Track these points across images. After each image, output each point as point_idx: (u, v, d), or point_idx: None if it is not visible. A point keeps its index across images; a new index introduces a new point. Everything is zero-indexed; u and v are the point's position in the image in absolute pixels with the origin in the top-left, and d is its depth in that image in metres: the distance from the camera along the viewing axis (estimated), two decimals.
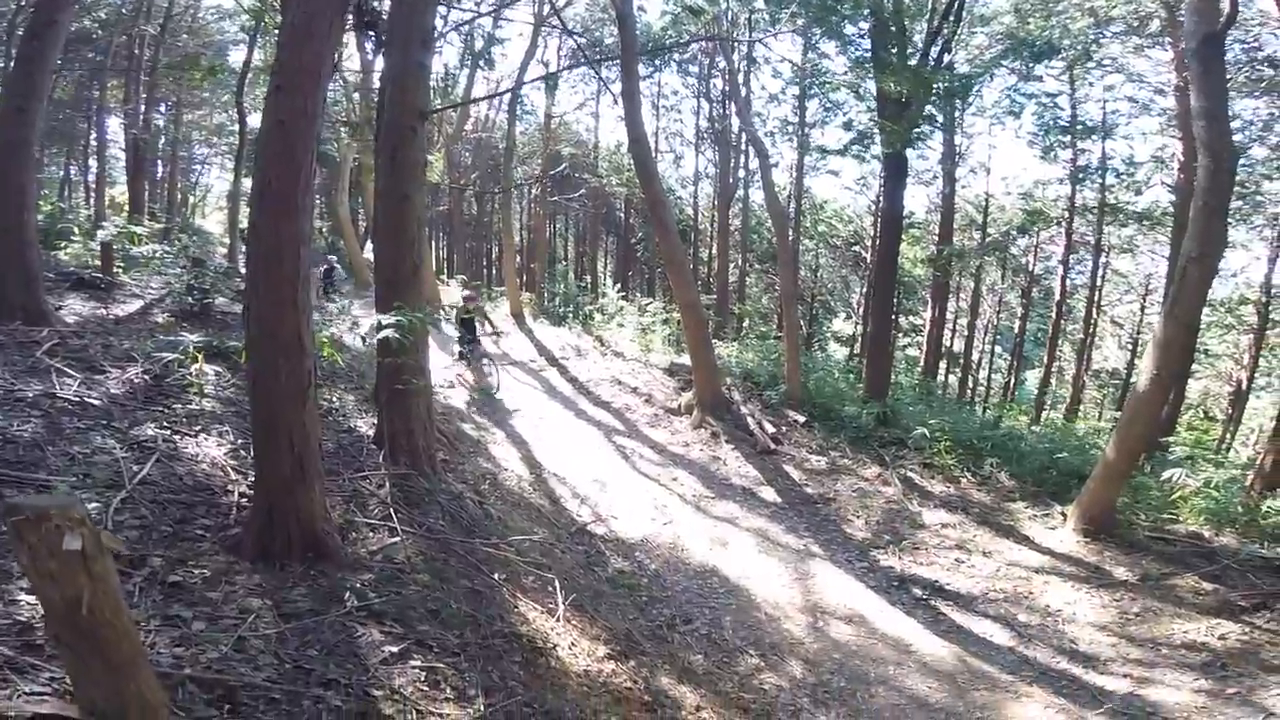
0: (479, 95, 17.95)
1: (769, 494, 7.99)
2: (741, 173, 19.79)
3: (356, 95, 15.87)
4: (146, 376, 5.03)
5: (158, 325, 6.86)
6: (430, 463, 5.21)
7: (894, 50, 10.20)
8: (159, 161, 24.23)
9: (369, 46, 12.90)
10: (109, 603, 1.78)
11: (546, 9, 14.18)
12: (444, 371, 10.39)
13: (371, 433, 5.49)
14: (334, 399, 6.12)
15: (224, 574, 3.31)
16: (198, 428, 4.59)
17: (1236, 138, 13.08)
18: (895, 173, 10.44)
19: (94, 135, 18.16)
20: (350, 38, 10.83)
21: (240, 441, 4.52)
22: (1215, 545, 6.49)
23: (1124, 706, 4.63)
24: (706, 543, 6.84)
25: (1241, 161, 13.74)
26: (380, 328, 4.12)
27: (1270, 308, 14.35)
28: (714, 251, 19.66)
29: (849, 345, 21.69)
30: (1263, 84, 11.40)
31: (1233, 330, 18.21)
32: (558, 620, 4.33)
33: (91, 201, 19.93)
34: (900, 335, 20.86)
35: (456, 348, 10.77)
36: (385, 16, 6.01)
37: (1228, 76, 11.43)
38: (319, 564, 3.59)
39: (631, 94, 9.61)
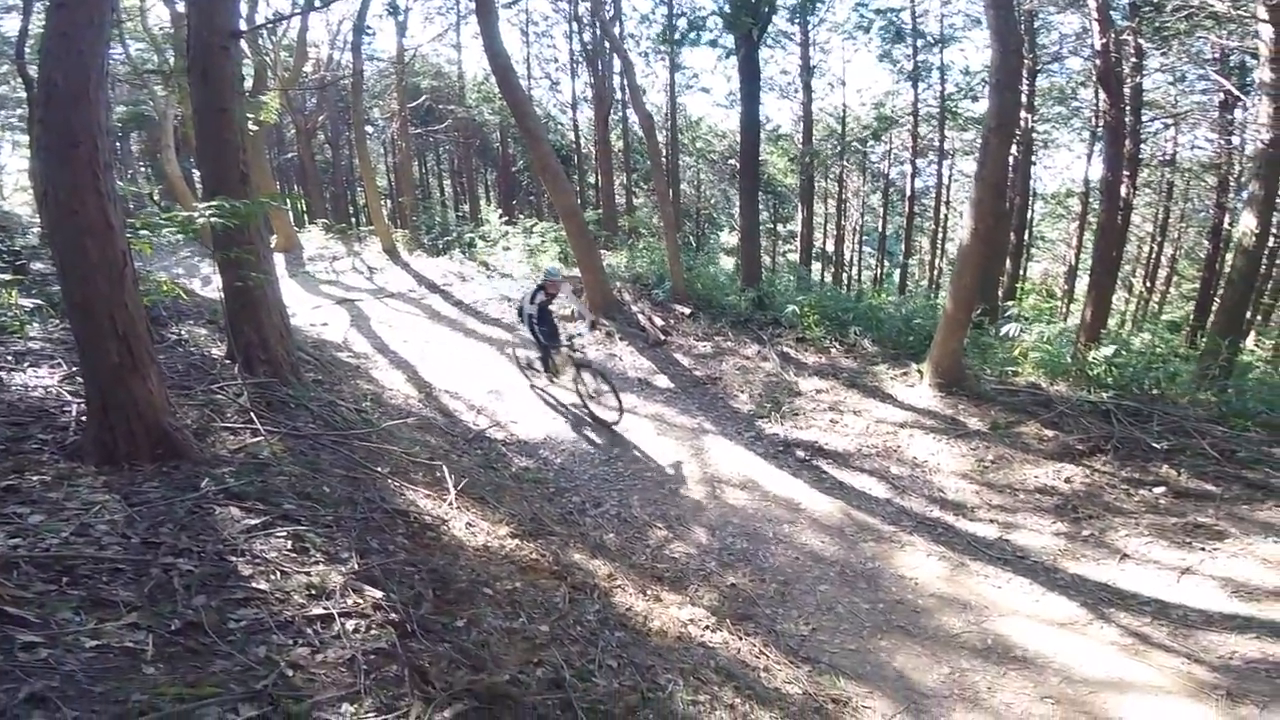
0: (313, 42, 16.37)
1: (662, 381, 8.27)
2: (619, 94, 19.51)
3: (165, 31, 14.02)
4: None
5: None
6: (294, 372, 4.95)
7: None
8: None
9: None
10: None
11: None
12: (315, 311, 9.80)
13: (225, 350, 5.11)
14: (183, 332, 5.59)
15: (65, 478, 3.07)
16: (26, 364, 4.09)
17: (1054, 49, 14.49)
18: (750, 75, 10.59)
19: None
20: None
21: (75, 369, 4.07)
22: (1052, 394, 6.99)
23: (998, 553, 5.01)
24: (609, 432, 6.99)
25: (1058, 70, 15.34)
26: (202, 215, 3.76)
27: (1090, 198, 16.07)
28: (598, 170, 19.43)
29: (735, 255, 22.47)
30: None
31: (1063, 219, 20.49)
32: (451, 506, 4.26)
33: None
34: (780, 242, 21.85)
35: (524, 354, 8.20)
36: None
37: None
38: (171, 461, 3.37)
39: (487, 10, 9.05)
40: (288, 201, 21.06)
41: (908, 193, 18.82)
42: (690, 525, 5.50)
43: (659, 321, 9.56)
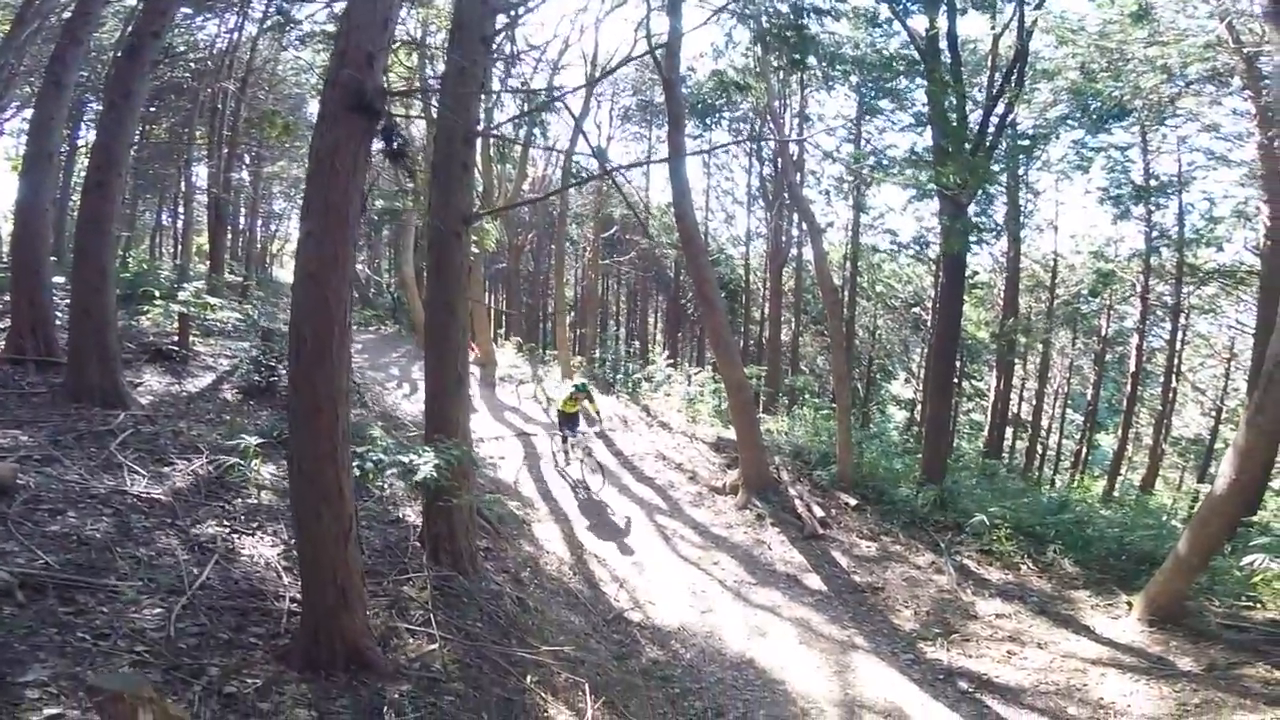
0: (533, 158, 18.50)
1: (814, 581, 7.76)
2: (795, 232, 19.61)
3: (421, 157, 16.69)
4: (210, 469, 5.42)
5: (227, 404, 7.38)
6: (471, 562, 5.37)
7: (950, 116, 9.85)
8: (241, 212, 25.30)
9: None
10: None
11: (597, 72, 14.68)
12: (496, 443, 10.70)
13: (418, 522, 5.71)
14: (385, 486, 6.40)
15: (274, 684, 3.52)
16: (254, 524, 4.91)
17: None
18: (954, 274, 10.13)
19: (182, 185, 18.96)
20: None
21: (293, 539, 4.75)
22: None
23: None
24: (745, 632, 6.70)
25: None
26: (414, 468, 4.33)
27: None
28: (766, 313, 19.37)
29: (908, 409, 20.95)
30: None
31: None
32: None
33: (177, 251, 20.99)
34: (964, 400, 19.88)
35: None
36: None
37: None
38: (361, 674, 3.78)
39: (678, 171, 9.79)
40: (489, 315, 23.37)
41: (1132, 363, 16.00)
42: None
43: (818, 510, 8.99)
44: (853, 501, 9.38)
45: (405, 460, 4.27)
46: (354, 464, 3.86)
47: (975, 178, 9.07)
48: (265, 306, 16.44)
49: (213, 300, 8.65)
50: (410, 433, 8.92)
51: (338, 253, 3.28)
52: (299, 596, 4.09)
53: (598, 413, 10.15)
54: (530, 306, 27.15)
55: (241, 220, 26.66)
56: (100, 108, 9.61)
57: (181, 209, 20.41)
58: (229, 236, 22.26)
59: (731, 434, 10.03)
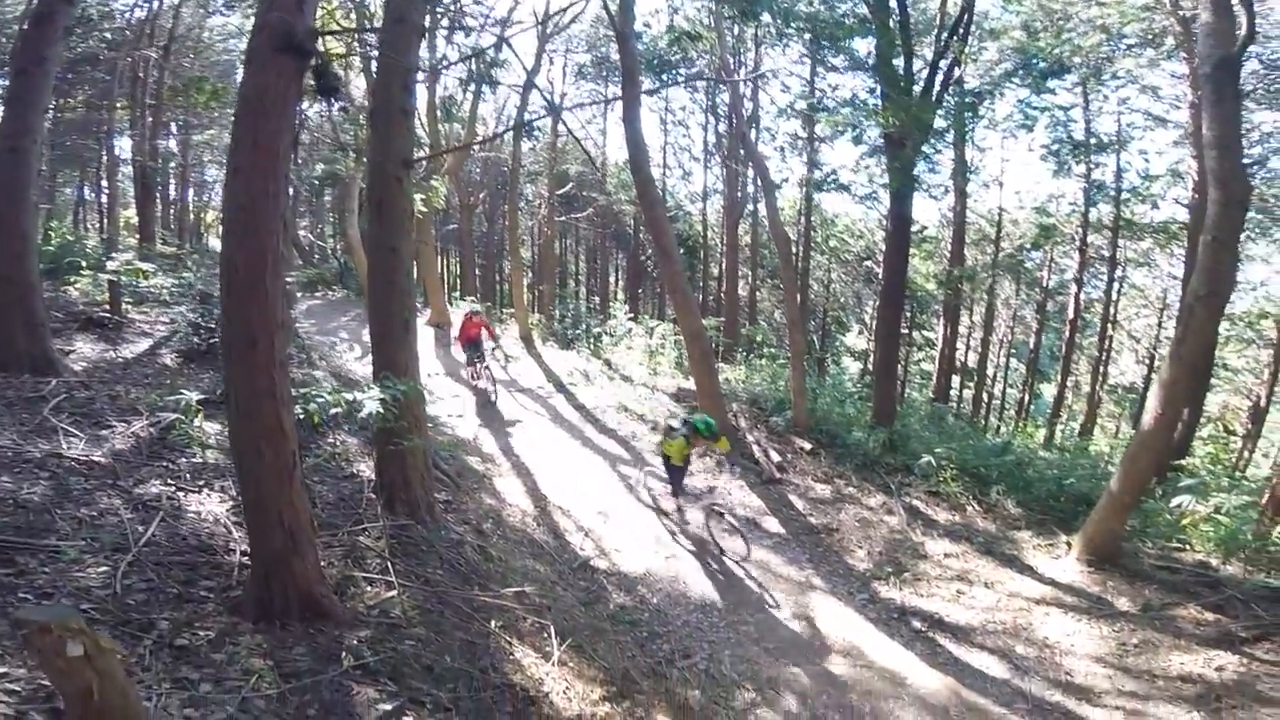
0: (483, 117, 18.12)
1: (773, 524, 7.98)
2: (751, 188, 19.70)
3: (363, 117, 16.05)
4: (151, 430, 5.18)
5: (166, 369, 7.04)
6: (429, 511, 5.31)
7: (899, 69, 10.07)
8: (170, 183, 24.35)
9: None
10: (116, 691, 2.12)
11: (549, 28, 14.26)
12: (453, 401, 10.54)
13: (373, 477, 5.61)
14: (336, 443, 6.25)
15: (227, 635, 3.45)
16: (200, 482, 4.73)
17: (1256, 150, 12.94)
18: (900, 207, 10.39)
19: (104, 157, 18.24)
20: None
21: (243, 498, 4.64)
22: (1221, 574, 6.46)
23: None
24: (709, 575, 6.84)
25: (1262, 174, 13.57)
26: (360, 404, 4.19)
27: None
28: (724, 268, 19.57)
29: (861, 360, 21.53)
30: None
31: (1253, 345, 17.88)
32: (553, 665, 4.40)
33: (102, 225, 19.99)
34: (914, 350, 20.66)
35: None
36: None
37: (1247, 89, 11.27)
38: (318, 622, 3.72)
39: (633, 123, 9.65)
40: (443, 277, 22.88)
41: (1071, 311, 16.93)
42: (781, 690, 5.27)
43: (775, 456, 9.22)
44: (808, 446, 9.65)
45: (350, 397, 4.13)
46: (298, 405, 3.72)
47: (912, 118, 9.26)
48: (202, 272, 15.72)
49: (145, 266, 8.10)
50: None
51: (268, 186, 3.22)
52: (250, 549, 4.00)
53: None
54: (485, 267, 26.63)
55: (172, 190, 25.37)
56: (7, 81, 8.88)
57: (105, 182, 19.31)
58: (159, 207, 21.08)
59: (692, 385, 10.12)
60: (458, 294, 22.36)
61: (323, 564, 4.02)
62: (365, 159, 7.64)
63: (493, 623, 4.53)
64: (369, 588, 4.26)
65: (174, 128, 20.51)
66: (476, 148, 18.93)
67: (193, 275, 11.67)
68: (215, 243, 33.30)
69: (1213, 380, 18.45)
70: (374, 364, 5.40)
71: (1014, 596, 6.55)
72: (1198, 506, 7.47)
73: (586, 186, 23.36)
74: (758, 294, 22.22)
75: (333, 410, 4.08)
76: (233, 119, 3.45)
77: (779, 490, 8.65)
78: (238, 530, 4.29)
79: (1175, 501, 7.79)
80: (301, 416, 3.73)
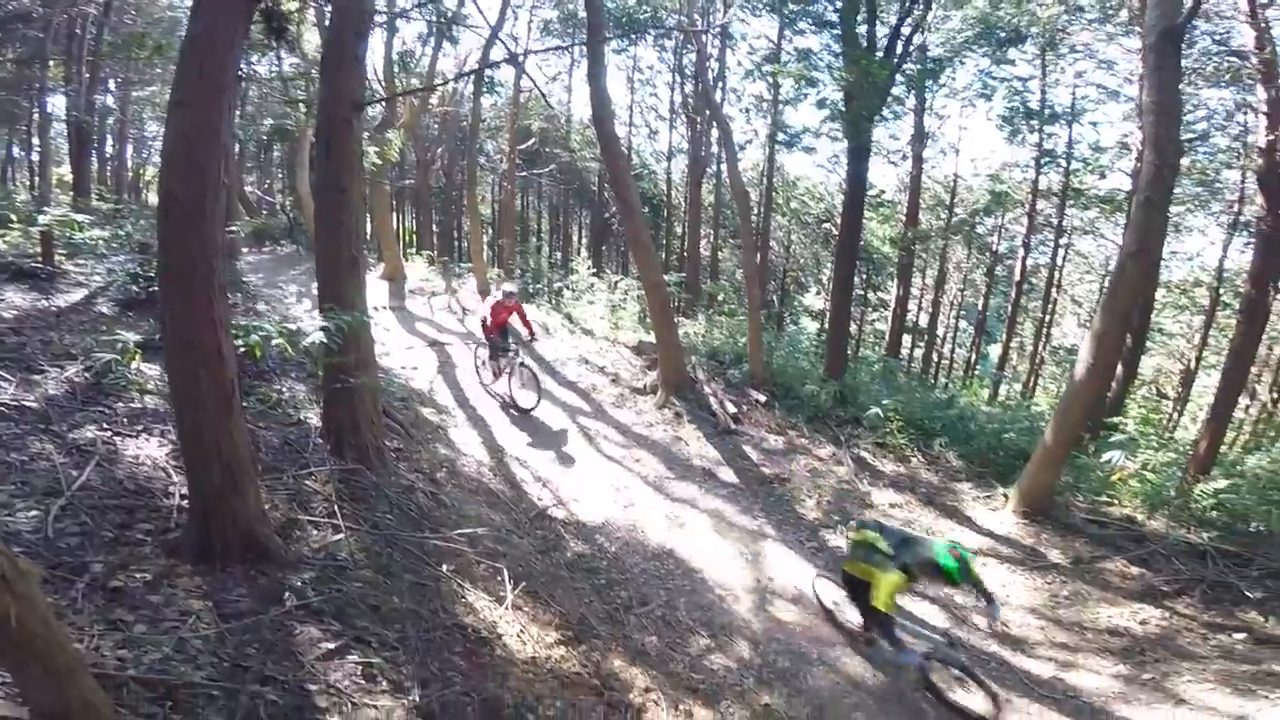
0: (443, 72, 17.53)
1: (728, 474, 8.14)
2: (715, 148, 19.70)
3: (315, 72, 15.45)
4: (87, 375, 4.97)
5: (102, 316, 6.72)
6: (379, 456, 5.26)
7: (863, 35, 10.14)
8: (109, 140, 23.20)
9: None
10: (36, 617, 2.02)
11: None
12: (408, 353, 10.36)
13: (320, 423, 5.50)
14: (284, 389, 6.09)
15: (165, 577, 3.39)
16: (139, 427, 4.58)
17: (1201, 126, 13.45)
18: (857, 168, 10.50)
19: (36, 114, 17.32)
20: None
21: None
22: (1146, 529, 6.70)
23: (1048, 690, 4.88)
24: (665, 524, 6.97)
25: (1203, 149, 14.19)
26: (304, 333, 4.10)
27: (1221, 291, 14.75)
28: (687, 226, 19.67)
29: (819, 320, 21.98)
30: (1228, 74, 11.51)
31: (1186, 311, 18.83)
32: (507, 609, 4.40)
33: (33, 182, 19.03)
34: (869, 310, 21.28)
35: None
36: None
37: (1195, 67, 11.67)
38: (260, 564, 3.66)
39: (597, 77, 9.45)
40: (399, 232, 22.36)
41: (1017, 274, 17.68)
42: (734, 636, 5.41)
43: (731, 408, 9.38)
44: (763, 398, 9.82)
45: (294, 327, 4.03)
46: (238, 338, 3.62)
47: (864, 72, 9.36)
48: (141, 224, 15.03)
49: (80, 218, 7.66)
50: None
51: (211, 118, 3.18)
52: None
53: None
54: (443, 223, 26.01)
55: (109, 147, 23.97)
56: None
57: (37, 140, 18.20)
58: (95, 164, 20.00)
59: (652, 338, 10.16)
60: (414, 250, 21.87)
61: (266, 507, 3.94)
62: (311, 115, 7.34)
63: (444, 566, 4.52)
64: (315, 531, 4.21)
65: (112, 85, 19.55)
66: (435, 103, 18.34)
67: (131, 227, 11.12)
68: (155, 199, 31.65)
69: (1148, 344, 19.49)
70: (319, 300, 5.27)
71: None
72: (1127, 463, 7.88)
73: (550, 143, 22.95)
74: (720, 254, 22.39)
75: (275, 342, 3.96)
76: (178, 62, 3.41)
77: (734, 441, 8.80)
78: (178, 475, 4.17)
79: (1106, 457, 8.21)
80: (243, 349, 3.62)
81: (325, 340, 4.10)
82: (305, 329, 4.13)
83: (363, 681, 3.17)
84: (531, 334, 9.45)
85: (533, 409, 8.81)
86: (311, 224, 18.28)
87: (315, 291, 10.47)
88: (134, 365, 4.66)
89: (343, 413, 5.11)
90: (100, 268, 8.18)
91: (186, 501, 3.80)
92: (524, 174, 21.32)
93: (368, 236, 16.40)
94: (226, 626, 3.16)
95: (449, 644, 3.78)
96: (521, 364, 8.98)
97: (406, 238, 25.01)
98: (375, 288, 12.70)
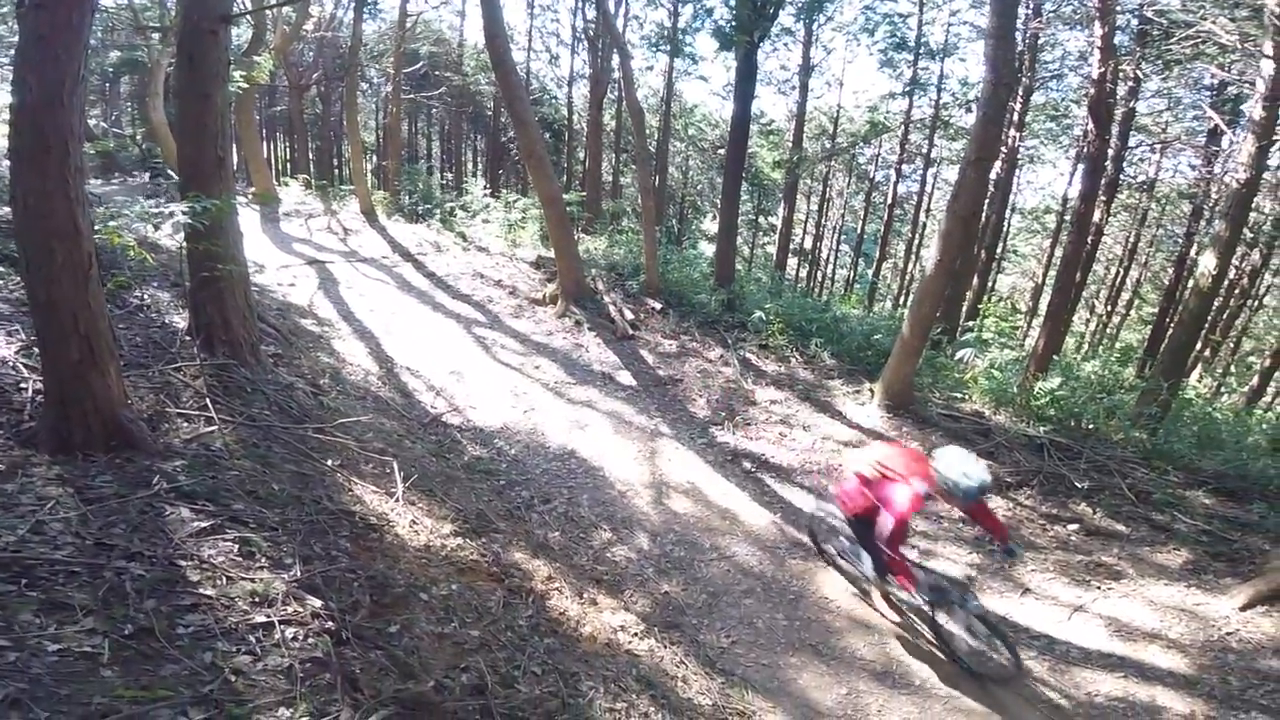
0: (318, 4, 16.27)
1: (625, 377, 8.39)
2: (616, 73, 19.39)
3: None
4: None
5: None
6: (253, 353, 5.03)
7: None
8: None
9: None
10: None
11: None
12: (282, 271, 9.75)
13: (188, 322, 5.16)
14: (145, 296, 5.61)
15: (19, 467, 3.15)
16: None
17: (1054, 66, 14.64)
18: (745, 76, 10.68)
19: None
20: None
21: (33, 340, 4.06)
22: (993, 423, 7.18)
23: None
24: (566, 426, 7.12)
25: (1054, 89, 15.57)
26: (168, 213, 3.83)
27: (1066, 217, 16.44)
28: (588, 149, 19.46)
29: (714, 243, 22.76)
30: (1080, 18, 12.44)
31: (1037, 235, 21.00)
32: (398, 501, 4.35)
33: None
34: (760, 234, 22.24)
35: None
36: None
37: (1054, 9, 12.57)
38: (125, 452, 3.46)
39: None
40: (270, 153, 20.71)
41: (890, 198, 19.09)
42: (634, 529, 5.61)
43: (629, 315, 9.66)
44: (658, 306, 10.16)
45: (155, 211, 3.77)
46: (98, 228, 3.37)
47: None
48: None
49: None
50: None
51: (71, 16, 3.04)
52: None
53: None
54: (320, 149, 24.11)
55: None
56: None
57: None
58: None
59: (551, 253, 10.15)
60: (288, 176, 20.23)
61: (131, 400, 3.72)
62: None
63: (329, 461, 4.41)
64: (185, 424, 3.98)
65: None
66: (310, 28, 16.80)
67: None
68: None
69: (1004, 264, 21.57)
70: (181, 194, 4.88)
71: (827, 439, 7.24)
72: (976, 361, 8.76)
73: (441, 67, 21.70)
74: (622, 178, 22.39)
75: (135, 225, 3.67)
76: None
77: (631, 346, 9.09)
78: (30, 373, 3.81)
79: (957, 355, 9.12)
80: (101, 234, 3.36)
81: (189, 220, 3.84)
82: (166, 210, 3.82)
83: (239, 559, 3.00)
84: None
85: None
86: (169, 153, 16.58)
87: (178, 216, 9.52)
88: None
89: (212, 307, 4.83)
90: None
91: (43, 396, 3.50)
92: (411, 97, 20.05)
93: (235, 162, 15.12)
94: (89, 508, 2.98)
95: (334, 528, 3.66)
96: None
97: (280, 166, 22.98)
98: (245, 216, 11.71)
